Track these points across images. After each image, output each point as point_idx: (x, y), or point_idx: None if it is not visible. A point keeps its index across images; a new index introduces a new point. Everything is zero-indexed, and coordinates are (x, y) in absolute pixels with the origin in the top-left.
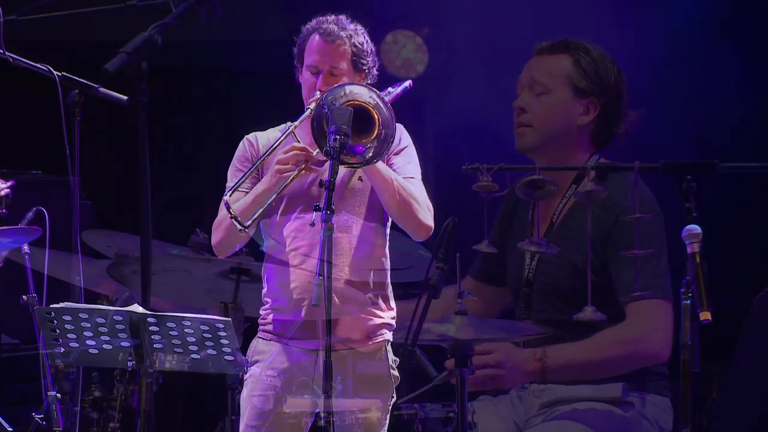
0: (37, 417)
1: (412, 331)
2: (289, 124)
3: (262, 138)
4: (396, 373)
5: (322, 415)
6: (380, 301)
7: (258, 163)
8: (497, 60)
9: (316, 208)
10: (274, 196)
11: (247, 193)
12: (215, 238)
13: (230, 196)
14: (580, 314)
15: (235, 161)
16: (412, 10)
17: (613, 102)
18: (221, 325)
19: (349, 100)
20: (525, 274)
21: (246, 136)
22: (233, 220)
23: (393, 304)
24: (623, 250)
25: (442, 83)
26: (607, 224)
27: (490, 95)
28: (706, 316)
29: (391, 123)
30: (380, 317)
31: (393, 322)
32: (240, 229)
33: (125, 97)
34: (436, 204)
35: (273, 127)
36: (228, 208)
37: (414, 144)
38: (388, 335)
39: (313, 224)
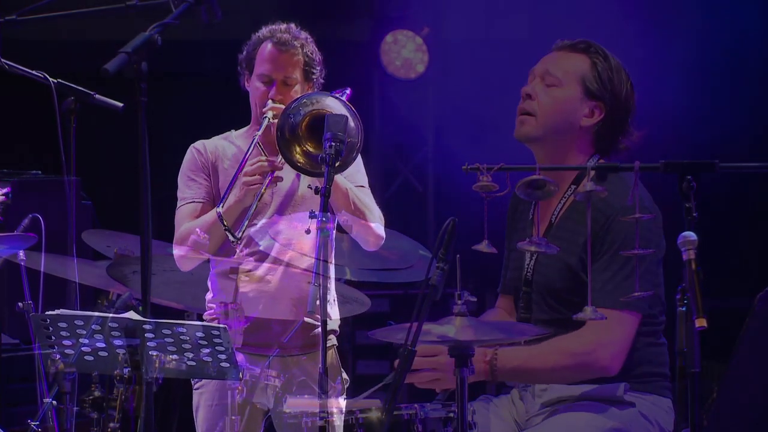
0: (33, 424)
1: (412, 332)
2: (233, 132)
3: (209, 145)
4: (345, 375)
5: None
6: (330, 305)
7: (242, 165)
8: (497, 60)
9: (312, 215)
10: (253, 206)
11: (202, 203)
12: (178, 252)
13: (183, 206)
14: (580, 314)
15: (186, 171)
16: (412, 10)
17: (619, 112)
18: (217, 332)
19: (315, 109)
20: (524, 275)
21: (193, 145)
22: (227, 232)
23: (336, 307)
24: (607, 253)
25: (442, 83)
26: (598, 226)
27: (490, 95)
28: (702, 323)
29: (358, 132)
30: (329, 323)
31: (337, 327)
32: (233, 241)
33: (121, 104)
34: (436, 204)
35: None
36: (221, 219)
37: (413, 145)
38: (334, 340)
39: (308, 231)
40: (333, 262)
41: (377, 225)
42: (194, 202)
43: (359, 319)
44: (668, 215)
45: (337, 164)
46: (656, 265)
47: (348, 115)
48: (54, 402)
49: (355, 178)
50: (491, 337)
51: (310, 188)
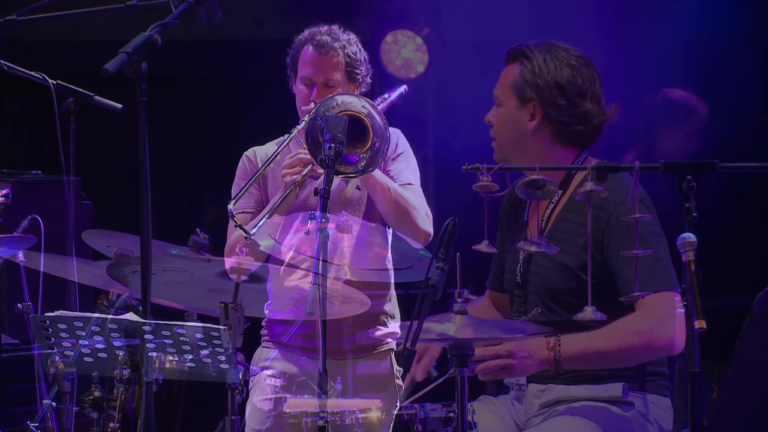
0: (33, 426)
1: (412, 331)
2: (286, 137)
3: (260, 152)
4: (400, 382)
5: (320, 414)
6: (385, 306)
7: (255, 177)
8: (497, 60)
9: (312, 217)
10: (278, 201)
11: (252, 213)
12: (227, 262)
13: (233, 204)
14: (580, 314)
15: (237, 180)
16: (412, 10)
17: (557, 101)
18: (216, 333)
19: (342, 111)
20: (514, 278)
21: (245, 153)
22: (238, 227)
23: (396, 309)
24: (621, 249)
25: (442, 83)
26: (602, 224)
27: (490, 95)
28: (701, 324)
29: (385, 133)
30: (387, 326)
31: (397, 329)
32: (245, 237)
33: (120, 106)
34: (436, 204)
35: (272, 139)
36: (232, 216)
37: (413, 146)
38: (392, 344)
39: (308, 233)
40: (391, 265)
41: (423, 221)
42: (244, 212)
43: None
44: (668, 215)
45: (362, 165)
46: (667, 260)
47: (375, 115)
48: (54, 403)
49: (402, 176)
50: (491, 335)
51: (358, 189)
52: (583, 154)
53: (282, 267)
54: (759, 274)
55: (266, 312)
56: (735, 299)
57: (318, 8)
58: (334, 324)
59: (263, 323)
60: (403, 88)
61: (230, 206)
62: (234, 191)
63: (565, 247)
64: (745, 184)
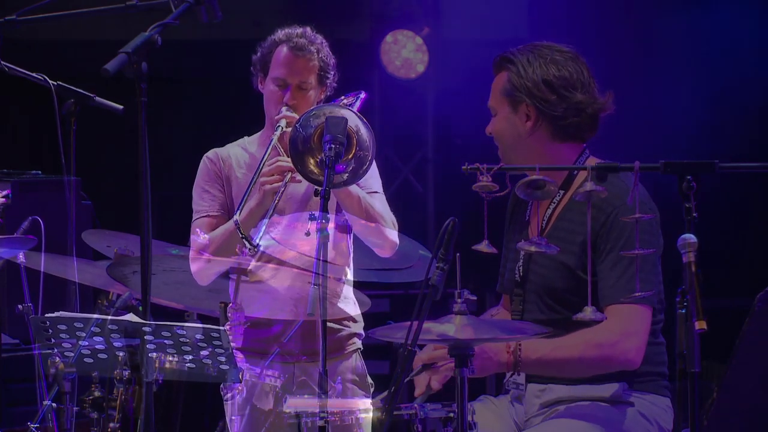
0: (33, 426)
1: (412, 331)
2: (246, 138)
3: (222, 153)
4: (370, 380)
5: (320, 414)
6: (350, 308)
7: (249, 188)
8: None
9: (312, 218)
10: (271, 210)
11: (217, 216)
12: (194, 266)
13: (198, 219)
14: (579, 314)
15: (199, 181)
16: (412, 10)
17: (546, 97)
18: (216, 334)
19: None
20: (514, 277)
21: (205, 155)
22: (244, 240)
23: (358, 310)
24: (610, 253)
25: (442, 83)
26: (598, 225)
27: (491, 94)
28: (702, 325)
29: (371, 146)
30: (352, 326)
31: (361, 330)
32: (249, 249)
33: (120, 107)
34: (435, 204)
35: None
36: (239, 228)
37: (414, 145)
38: (359, 344)
39: (308, 233)
40: (351, 263)
41: (391, 231)
42: (209, 215)
43: None
44: (668, 215)
45: (346, 177)
46: (657, 263)
47: (360, 125)
48: (54, 404)
49: (368, 184)
50: (491, 336)
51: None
52: (586, 153)
53: (251, 263)
54: (759, 274)
55: (230, 315)
56: (735, 299)
57: (318, 8)
58: (276, 322)
59: (228, 329)
60: (363, 95)
61: (237, 217)
62: (195, 194)
63: (565, 246)
64: (745, 184)
